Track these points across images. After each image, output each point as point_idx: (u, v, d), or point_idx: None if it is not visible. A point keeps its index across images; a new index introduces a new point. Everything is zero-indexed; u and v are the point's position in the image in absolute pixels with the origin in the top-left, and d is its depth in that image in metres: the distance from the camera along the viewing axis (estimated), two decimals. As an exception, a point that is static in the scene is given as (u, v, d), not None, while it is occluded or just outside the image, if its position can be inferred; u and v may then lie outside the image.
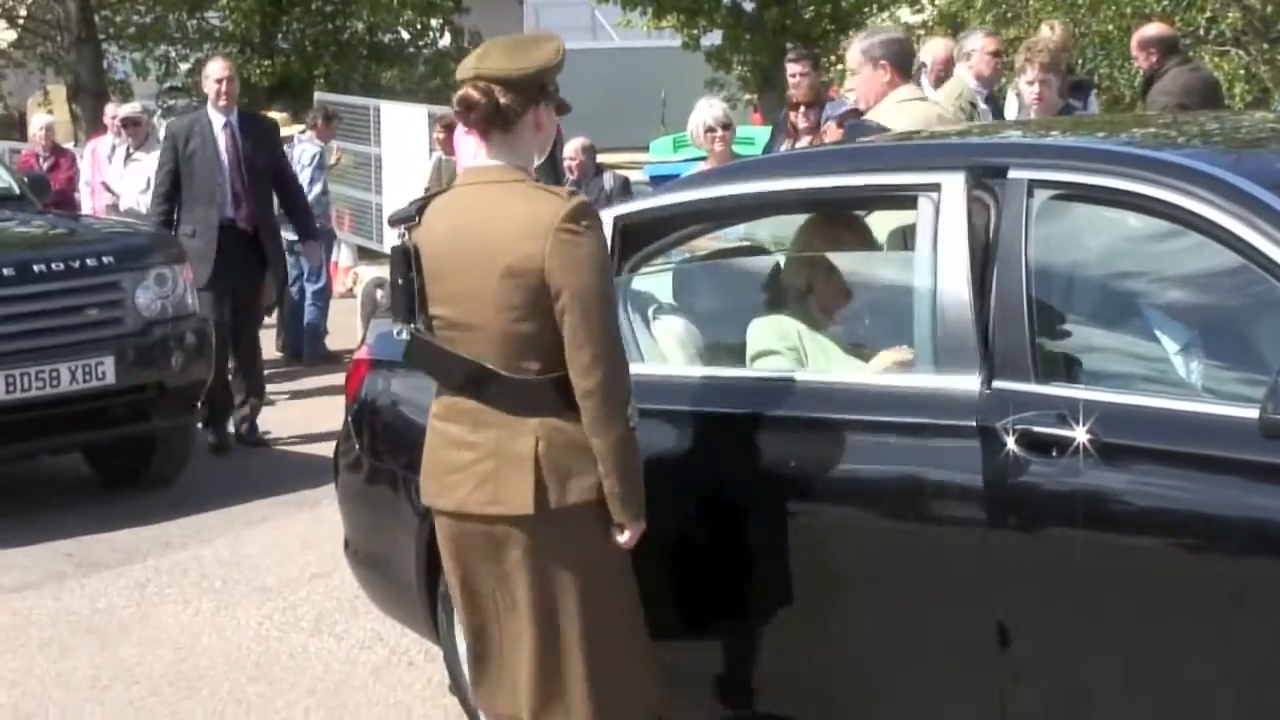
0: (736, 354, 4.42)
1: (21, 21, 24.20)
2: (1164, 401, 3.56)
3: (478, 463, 3.64)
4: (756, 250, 4.88)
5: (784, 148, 8.69)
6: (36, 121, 14.15)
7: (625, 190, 10.41)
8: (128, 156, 11.84)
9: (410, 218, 3.72)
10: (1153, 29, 9.01)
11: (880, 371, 4.05)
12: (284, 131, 10.67)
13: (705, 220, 4.50)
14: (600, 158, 11.39)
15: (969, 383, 3.64)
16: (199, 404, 8.27)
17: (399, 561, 4.55)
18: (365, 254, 15.99)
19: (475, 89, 3.61)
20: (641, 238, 4.36)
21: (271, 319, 11.00)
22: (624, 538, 3.66)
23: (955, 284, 3.73)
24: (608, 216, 4.17)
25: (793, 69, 9.36)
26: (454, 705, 4.82)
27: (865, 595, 3.80)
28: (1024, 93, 7.20)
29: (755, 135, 14.43)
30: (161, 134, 11.59)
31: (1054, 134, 4.56)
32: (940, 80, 8.75)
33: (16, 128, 24.87)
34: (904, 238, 4.31)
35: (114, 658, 5.72)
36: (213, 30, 24.24)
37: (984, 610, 3.60)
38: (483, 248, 3.57)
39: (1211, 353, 3.75)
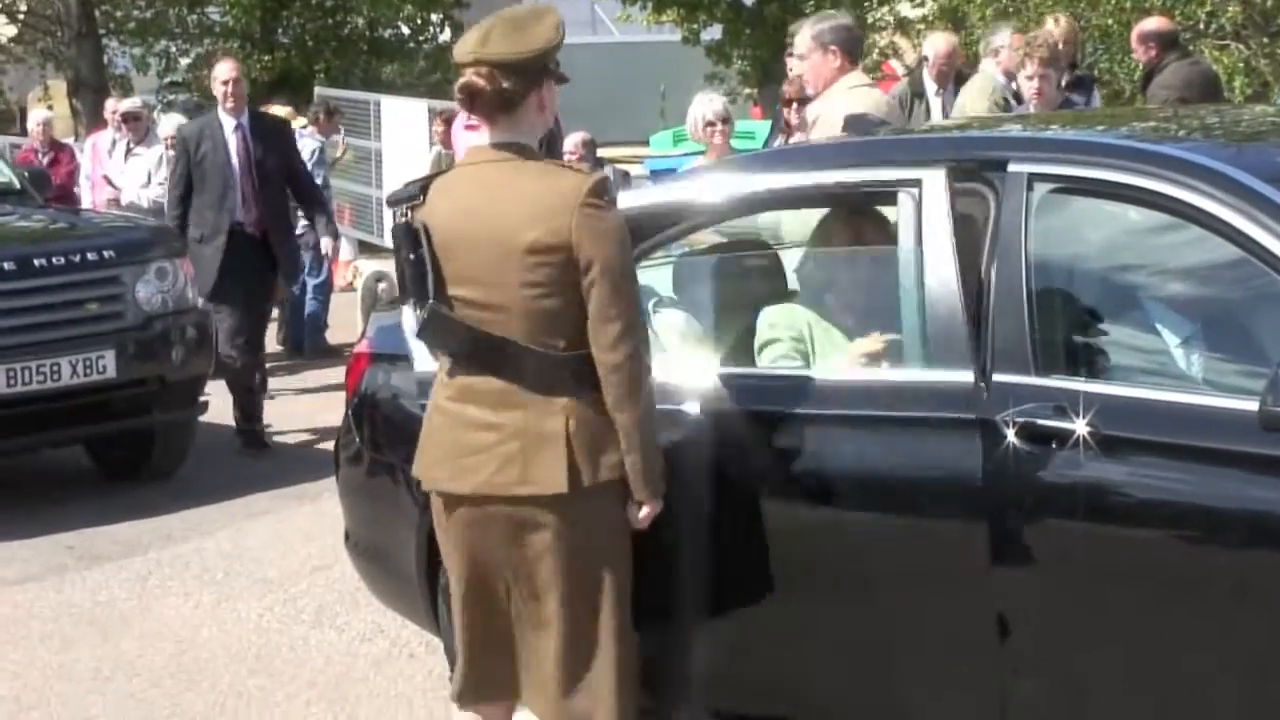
0: (737, 347, 4.43)
1: (22, 17, 24.22)
2: (1164, 394, 3.56)
3: (502, 443, 3.59)
4: (757, 244, 4.88)
5: (777, 143, 8.70)
6: (35, 117, 14.17)
7: (625, 185, 10.42)
8: (128, 151, 11.85)
9: (413, 197, 3.67)
10: (1152, 23, 9.01)
11: (854, 361, 4.07)
12: None
13: (688, 219, 4.48)
14: (600, 152, 11.40)
15: (963, 377, 3.65)
16: (201, 398, 8.26)
17: (400, 554, 4.55)
18: (366, 248, 16.01)
19: (479, 76, 3.58)
20: (636, 233, 4.36)
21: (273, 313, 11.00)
22: (642, 514, 3.66)
23: (943, 279, 3.74)
24: None
25: (792, 64, 9.33)
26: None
27: (865, 589, 3.80)
28: (1024, 87, 7.21)
29: (755, 129, 14.42)
30: (160, 130, 11.64)
31: (1054, 128, 4.56)
32: (942, 75, 8.76)
33: (17, 123, 24.90)
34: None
35: (115, 650, 5.72)
36: (213, 25, 24.25)
37: (984, 603, 3.61)
38: (500, 225, 3.54)
39: (1211, 345, 3.76)
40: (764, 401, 3.94)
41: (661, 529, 3.74)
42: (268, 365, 9.56)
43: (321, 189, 10.86)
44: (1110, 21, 13.94)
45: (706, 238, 4.77)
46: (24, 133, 20.31)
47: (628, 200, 4.18)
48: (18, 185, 8.99)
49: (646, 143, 19.18)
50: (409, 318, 4.55)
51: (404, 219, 3.67)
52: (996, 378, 3.63)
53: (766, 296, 4.45)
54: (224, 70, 8.92)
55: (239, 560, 6.76)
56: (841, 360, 4.13)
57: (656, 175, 12.06)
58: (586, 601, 3.65)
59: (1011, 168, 3.79)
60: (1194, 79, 8.08)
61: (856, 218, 4.35)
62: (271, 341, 10.80)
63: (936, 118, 8.54)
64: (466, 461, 3.63)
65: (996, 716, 3.66)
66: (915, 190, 3.84)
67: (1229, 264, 3.55)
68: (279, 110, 11.79)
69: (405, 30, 25.29)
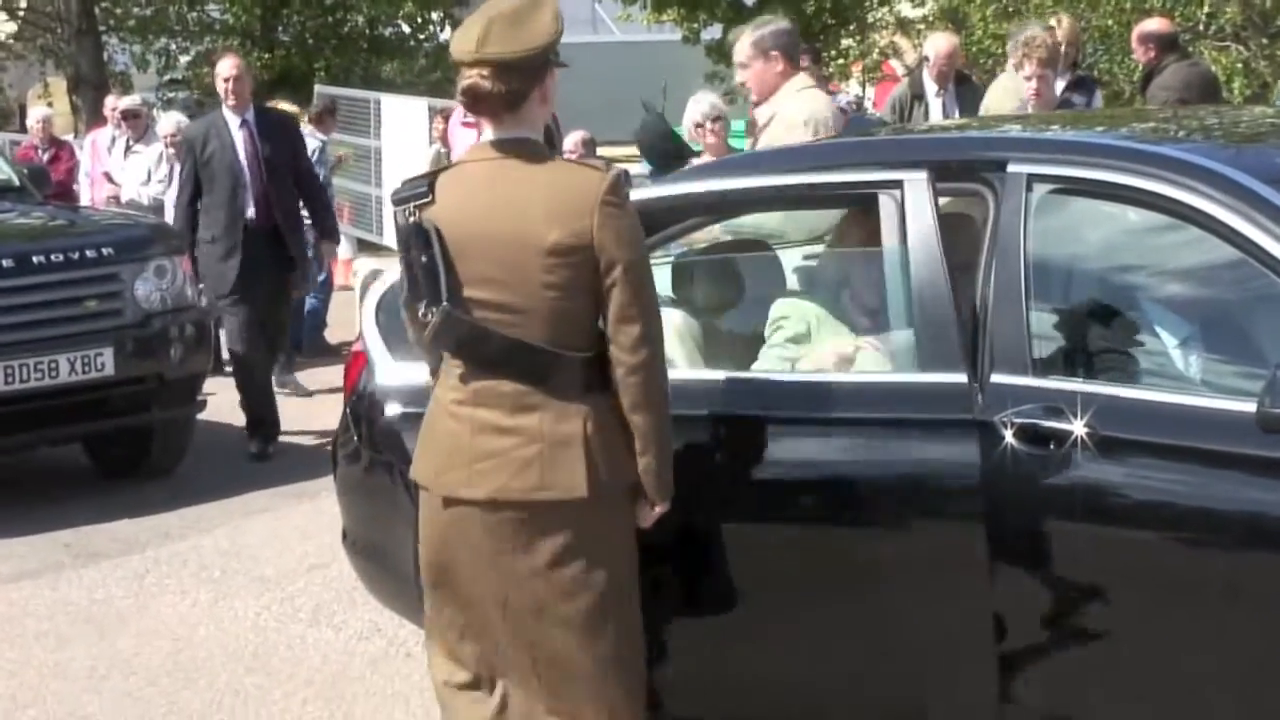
0: (736, 347, 4.43)
1: (22, 13, 24.23)
2: (1162, 395, 3.57)
3: (519, 448, 3.49)
4: (756, 243, 4.88)
5: (748, 144, 8.69)
6: (35, 114, 14.17)
7: (626, 184, 10.40)
8: (128, 149, 11.85)
9: (421, 195, 3.55)
10: (1152, 24, 9.01)
11: (825, 362, 4.07)
12: None
13: (673, 219, 4.48)
14: (600, 151, 11.40)
15: (956, 378, 3.65)
16: (200, 396, 8.26)
17: (397, 553, 4.54)
18: (365, 246, 16.01)
19: (483, 78, 3.47)
20: None
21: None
22: (653, 515, 3.60)
23: (932, 280, 3.74)
24: None
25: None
26: (451, 696, 4.83)
27: (862, 591, 3.80)
28: (1002, 92, 7.21)
29: (755, 128, 14.40)
30: (160, 127, 11.63)
31: (1053, 128, 4.56)
32: (943, 76, 8.76)
33: (16, 119, 24.90)
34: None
35: (112, 648, 5.72)
36: (213, 23, 24.26)
37: (981, 603, 3.60)
38: (518, 225, 3.44)
39: (1210, 347, 3.76)
40: (756, 405, 3.91)
41: (660, 532, 3.71)
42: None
43: (324, 188, 10.83)
44: (1110, 22, 13.97)
45: (705, 237, 4.77)
46: (24, 129, 20.32)
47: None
48: (17, 182, 8.98)
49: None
50: (370, 323, 4.56)
51: (413, 218, 3.53)
52: (994, 379, 3.63)
53: (764, 296, 4.46)
54: (225, 67, 8.77)
55: (236, 558, 6.76)
56: (819, 358, 4.14)
57: (656, 175, 12.05)
58: (599, 607, 3.57)
59: (1010, 168, 3.79)
60: (1193, 80, 8.08)
61: (872, 217, 4.35)
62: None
63: (936, 118, 8.55)
64: (481, 466, 3.52)
65: (994, 717, 3.66)
66: (896, 192, 3.84)
67: (1227, 265, 3.55)
68: (285, 108, 11.75)
69: (405, 28, 25.30)
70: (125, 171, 11.76)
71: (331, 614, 5.96)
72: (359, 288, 11.60)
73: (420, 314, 3.54)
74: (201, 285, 8.40)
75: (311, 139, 11.96)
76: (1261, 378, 3.29)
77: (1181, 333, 3.76)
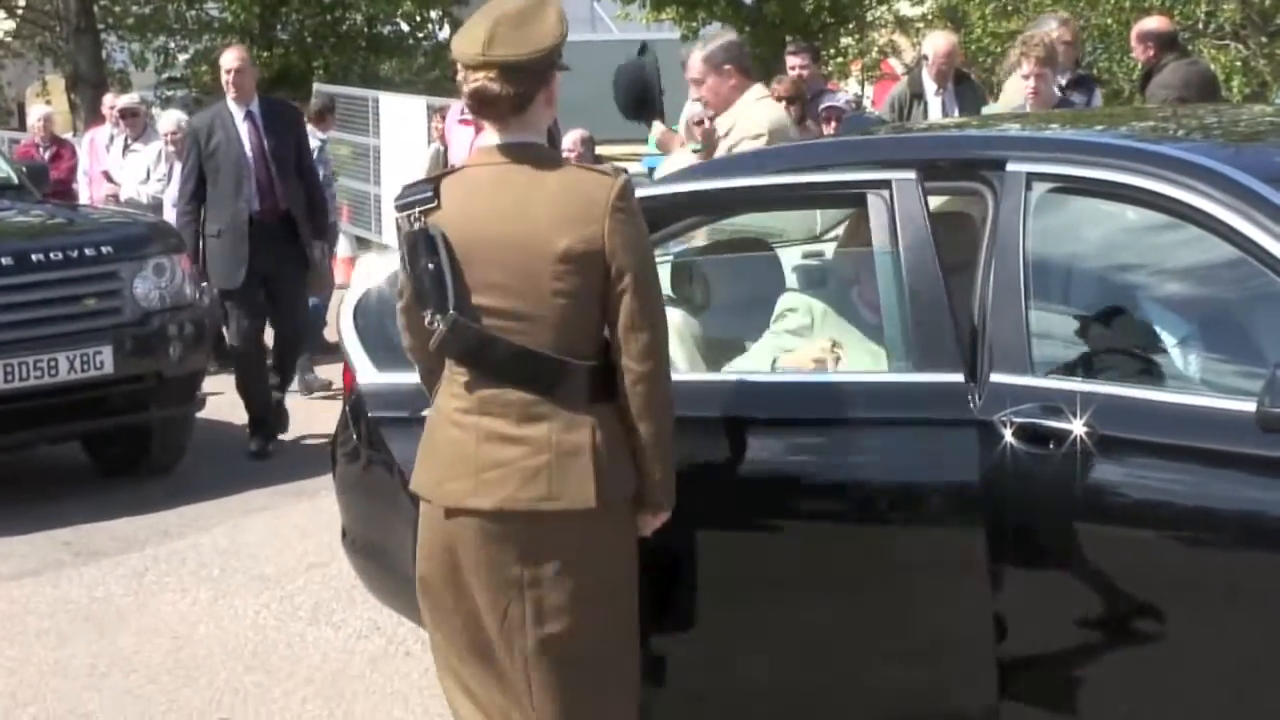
0: (735, 347, 4.43)
1: (20, 11, 24.20)
2: (1161, 394, 3.57)
3: (527, 458, 3.43)
4: (756, 243, 4.89)
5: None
6: (35, 112, 14.14)
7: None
8: (126, 147, 11.83)
9: (426, 200, 3.47)
10: (1151, 22, 9.01)
11: (803, 367, 4.07)
12: None
13: (665, 219, 4.48)
14: (599, 150, 11.39)
15: (952, 377, 3.65)
16: (199, 394, 8.26)
17: (396, 551, 4.54)
18: (364, 245, 16.00)
19: (491, 80, 3.41)
20: None
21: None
22: (656, 522, 3.57)
23: (926, 279, 3.75)
24: None
25: (793, 62, 9.34)
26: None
27: (862, 592, 3.79)
28: (1019, 86, 7.20)
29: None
30: (160, 125, 11.61)
31: (1053, 127, 4.56)
32: (942, 75, 8.75)
33: (16, 118, 24.88)
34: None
35: (112, 646, 5.72)
36: (211, 21, 24.24)
37: (981, 603, 3.61)
38: (528, 231, 3.38)
39: (1209, 346, 3.76)
40: (756, 407, 3.89)
41: (658, 535, 3.69)
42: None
43: (323, 187, 10.75)
44: (1109, 21, 13.98)
45: (706, 236, 4.78)
46: (23, 128, 20.30)
47: None
48: (16, 180, 8.98)
49: (645, 140, 19.16)
50: (349, 328, 4.50)
51: (418, 224, 3.45)
52: (994, 378, 3.63)
53: (764, 295, 4.47)
54: (229, 59, 8.65)
55: (236, 557, 6.76)
56: (796, 360, 4.15)
57: (655, 173, 12.05)
58: (602, 620, 3.52)
59: (1010, 167, 3.79)
60: (1192, 79, 8.08)
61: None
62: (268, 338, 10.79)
63: (936, 117, 8.54)
64: (487, 476, 3.45)
65: (993, 717, 3.66)
66: (885, 192, 3.85)
67: (1227, 264, 3.55)
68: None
69: (404, 27, 25.28)
70: (124, 170, 11.74)
71: (331, 612, 5.96)
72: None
73: (426, 321, 3.47)
74: (205, 283, 8.37)
75: (311, 138, 11.94)
76: (1261, 377, 3.30)
77: (1181, 332, 3.76)
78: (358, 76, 22.84)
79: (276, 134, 8.49)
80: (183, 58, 24.57)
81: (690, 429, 3.77)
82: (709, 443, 3.87)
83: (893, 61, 23.62)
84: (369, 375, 4.38)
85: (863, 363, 4.15)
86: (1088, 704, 3.56)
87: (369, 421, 4.43)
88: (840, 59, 23.54)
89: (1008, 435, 3.55)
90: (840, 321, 4.29)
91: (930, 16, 21.48)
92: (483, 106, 3.47)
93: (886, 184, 3.86)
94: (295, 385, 9.51)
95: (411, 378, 4.20)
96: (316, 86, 18.83)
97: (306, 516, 7.24)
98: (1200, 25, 14.04)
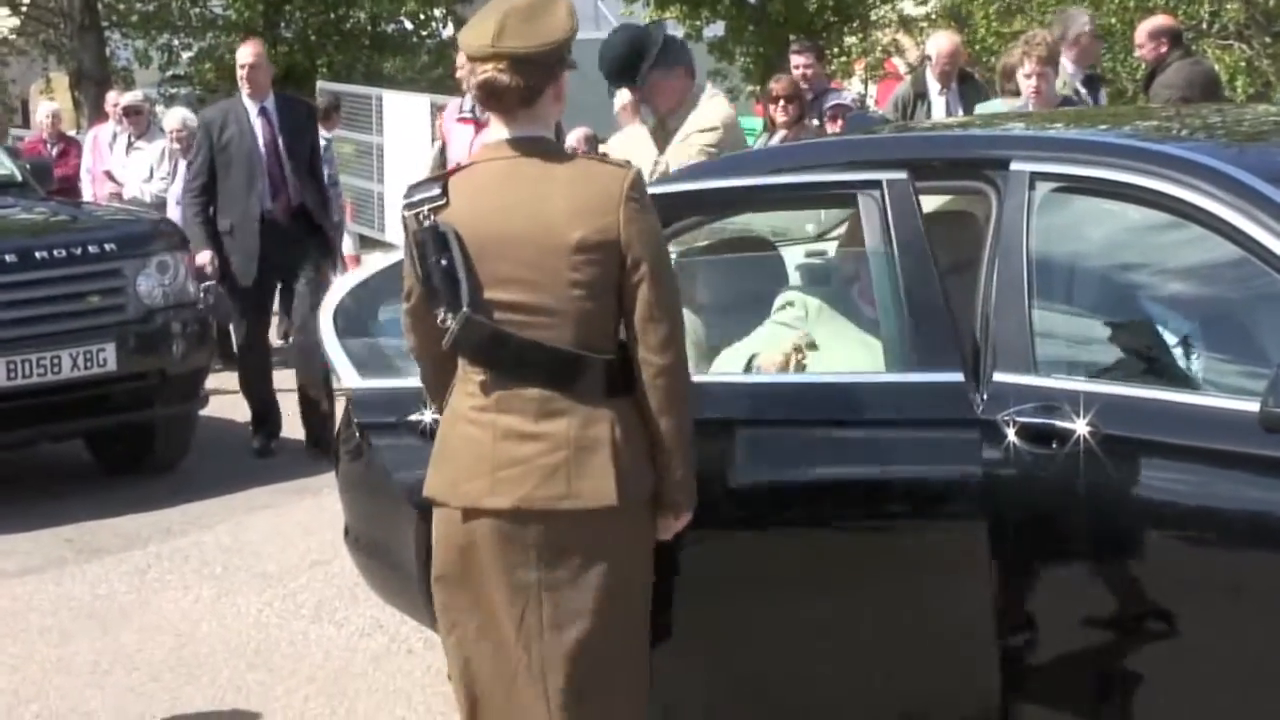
0: (736, 347, 4.43)
1: (24, 8, 24.20)
2: (1165, 394, 3.57)
3: (544, 455, 3.36)
4: (758, 242, 4.89)
5: (759, 142, 8.69)
6: (44, 109, 14.11)
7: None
8: (130, 145, 11.82)
9: (435, 197, 3.41)
10: (1161, 20, 9.00)
11: (772, 367, 4.07)
12: None
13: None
14: (602, 148, 11.37)
15: (951, 377, 3.65)
16: (202, 392, 8.26)
17: (399, 550, 4.54)
18: (367, 243, 16.00)
19: (501, 71, 3.37)
20: None
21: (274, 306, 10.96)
22: (677, 525, 3.50)
23: (923, 280, 3.75)
24: None
25: (797, 60, 9.32)
26: (452, 693, 4.82)
27: (864, 592, 3.79)
28: (1021, 86, 7.20)
29: (757, 126, 14.42)
30: (165, 123, 11.60)
31: (1056, 126, 4.56)
32: (945, 75, 8.74)
33: (20, 115, 24.89)
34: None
35: (114, 643, 5.72)
36: (215, 19, 24.24)
37: (984, 601, 3.60)
38: (543, 224, 3.33)
39: (1212, 346, 3.76)
40: (755, 409, 3.89)
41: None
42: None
43: (329, 186, 10.63)
44: (1113, 20, 13.96)
45: (708, 235, 4.78)
46: (26, 125, 20.31)
47: None
48: (19, 178, 8.99)
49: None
50: (328, 330, 4.40)
51: (429, 221, 3.40)
52: (997, 377, 3.63)
53: (767, 294, 4.47)
54: (243, 54, 8.53)
55: (238, 554, 6.76)
56: (766, 360, 4.17)
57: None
58: (618, 621, 3.45)
59: (1014, 166, 3.79)
60: (1196, 78, 8.07)
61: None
62: (273, 336, 10.79)
63: (939, 117, 8.53)
64: (504, 474, 3.38)
65: (998, 716, 3.66)
66: (876, 192, 3.85)
67: (1230, 264, 3.55)
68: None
69: (408, 25, 25.29)
70: (127, 168, 11.73)
71: (333, 610, 5.96)
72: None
73: (439, 320, 3.41)
74: (211, 282, 8.33)
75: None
76: (1265, 377, 3.30)
77: (1184, 331, 3.76)
78: (361, 74, 22.84)
79: (291, 131, 8.38)
80: (186, 55, 24.56)
81: (696, 430, 3.78)
82: (708, 444, 3.86)
83: (896, 61, 23.63)
84: (352, 381, 4.30)
85: (858, 357, 4.14)
86: (1093, 704, 3.56)
87: (357, 428, 4.40)
88: (844, 58, 23.53)
89: (1011, 435, 3.55)
90: (835, 316, 4.29)
91: (934, 16, 21.47)
92: (491, 98, 3.42)
93: (877, 184, 3.87)
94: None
95: (397, 382, 4.19)
96: (320, 84, 18.85)
97: (309, 514, 7.24)
98: (1204, 25, 14.03)
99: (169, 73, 24.40)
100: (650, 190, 3.92)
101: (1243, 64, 13.65)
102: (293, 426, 8.83)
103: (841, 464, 3.79)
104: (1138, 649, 3.51)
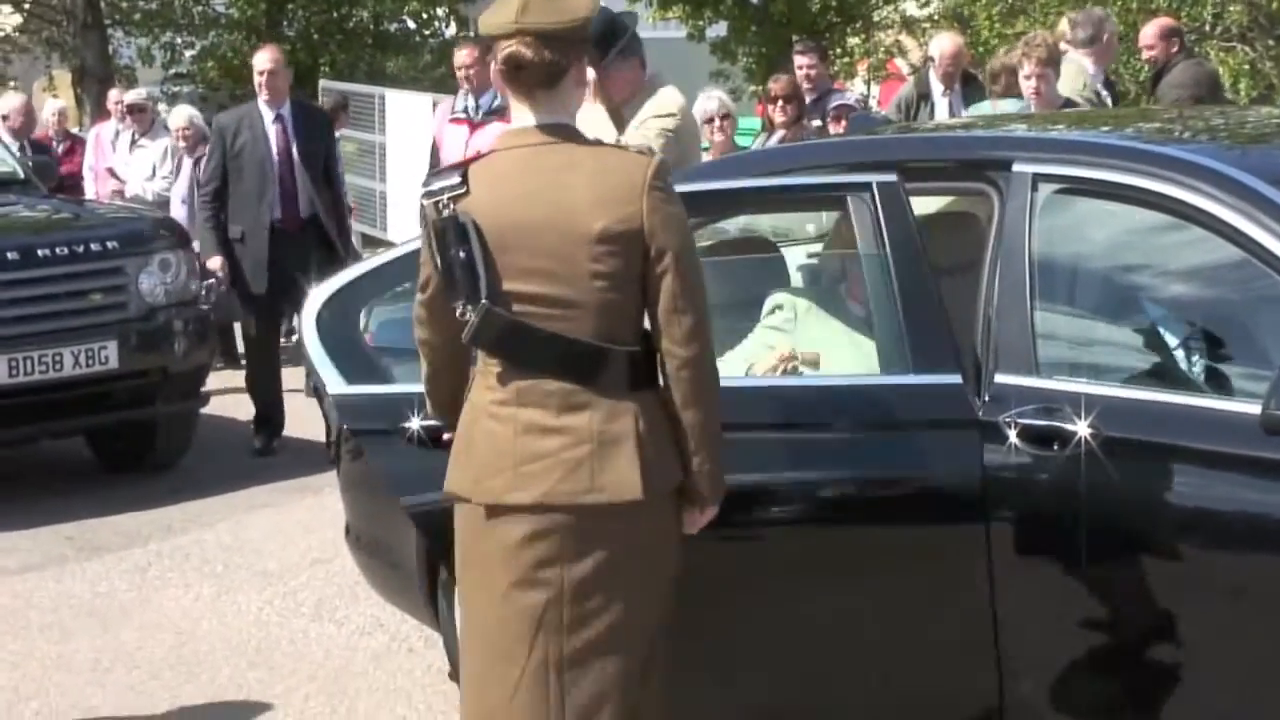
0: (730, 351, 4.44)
1: (28, 6, 24.21)
2: (1166, 396, 3.57)
3: (568, 448, 3.28)
4: (758, 242, 4.89)
5: (757, 143, 8.69)
6: (49, 106, 14.10)
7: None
8: (133, 143, 11.82)
9: (454, 186, 3.32)
10: (1169, 20, 9.00)
11: (769, 372, 4.07)
12: None
13: None
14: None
15: (950, 379, 3.66)
16: (201, 391, 8.26)
17: (400, 548, 4.55)
18: (370, 242, 16.00)
19: (525, 46, 3.28)
20: None
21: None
22: (703, 519, 3.43)
23: (917, 282, 3.75)
24: None
25: (801, 60, 9.32)
26: (453, 691, 4.82)
27: (864, 593, 3.79)
28: (1022, 87, 7.20)
29: (758, 126, 14.45)
30: (171, 121, 11.59)
31: (1059, 128, 4.56)
32: (949, 76, 8.74)
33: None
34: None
35: (115, 641, 5.72)
36: (218, 17, 24.24)
37: (984, 603, 3.61)
38: (565, 213, 3.26)
39: (1214, 348, 3.76)
40: (754, 412, 3.85)
41: None
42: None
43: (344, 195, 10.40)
44: (1116, 23, 13.94)
45: (707, 236, 4.79)
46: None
47: None
48: (21, 175, 8.99)
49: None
50: (311, 335, 4.33)
51: (448, 210, 3.31)
52: (998, 379, 3.63)
53: (766, 295, 4.48)
54: (261, 60, 8.46)
55: (239, 553, 6.76)
56: (762, 363, 4.18)
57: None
58: (644, 618, 3.36)
59: (1016, 168, 3.79)
60: (1203, 78, 8.08)
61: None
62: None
63: (942, 118, 8.54)
64: (527, 469, 3.30)
65: (996, 718, 3.66)
66: (866, 194, 3.85)
67: (1232, 266, 3.56)
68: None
69: (410, 24, 25.29)
70: (130, 166, 11.72)
71: (334, 609, 5.96)
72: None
73: (458, 313, 3.33)
74: (213, 281, 8.32)
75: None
76: (1266, 379, 3.30)
77: (1186, 334, 3.77)
78: (364, 73, 22.84)
79: (306, 139, 8.32)
80: (189, 54, 24.56)
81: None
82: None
83: (899, 62, 23.61)
84: (338, 387, 4.22)
85: (850, 358, 4.14)
86: (1091, 705, 3.56)
87: (347, 434, 4.37)
88: (847, 59, 23.53)
89: (1012, 436, 3.55)
90: (824, 317, 4.28)
91: (936, 17, 21.46)
92: (516, 73, 3.33)
93: (867, 186, 3.87)
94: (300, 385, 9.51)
95: (385, 388, 4.16)
96: (323, 83, 18.84)
97: (310, 512, 7.24)
98: (1207, 27, 14.03)
99: (171, 71, 24.39)
100: None
101: (1246, 66, 13.65)
102: (294, 426, 8.84)
103: (841, 466, 3.79)
104: (1137, 651, 3.50)
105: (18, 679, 5.39)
